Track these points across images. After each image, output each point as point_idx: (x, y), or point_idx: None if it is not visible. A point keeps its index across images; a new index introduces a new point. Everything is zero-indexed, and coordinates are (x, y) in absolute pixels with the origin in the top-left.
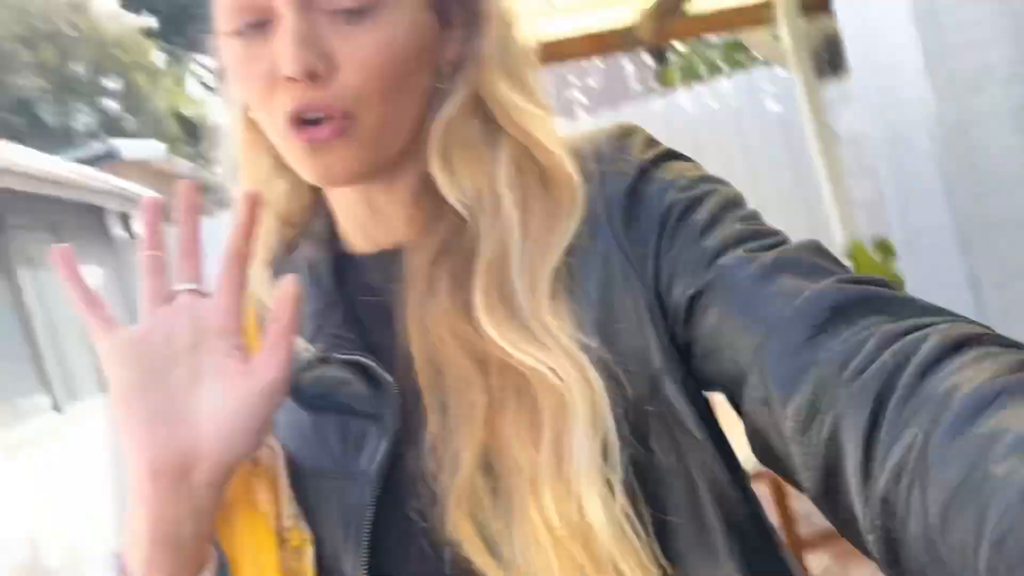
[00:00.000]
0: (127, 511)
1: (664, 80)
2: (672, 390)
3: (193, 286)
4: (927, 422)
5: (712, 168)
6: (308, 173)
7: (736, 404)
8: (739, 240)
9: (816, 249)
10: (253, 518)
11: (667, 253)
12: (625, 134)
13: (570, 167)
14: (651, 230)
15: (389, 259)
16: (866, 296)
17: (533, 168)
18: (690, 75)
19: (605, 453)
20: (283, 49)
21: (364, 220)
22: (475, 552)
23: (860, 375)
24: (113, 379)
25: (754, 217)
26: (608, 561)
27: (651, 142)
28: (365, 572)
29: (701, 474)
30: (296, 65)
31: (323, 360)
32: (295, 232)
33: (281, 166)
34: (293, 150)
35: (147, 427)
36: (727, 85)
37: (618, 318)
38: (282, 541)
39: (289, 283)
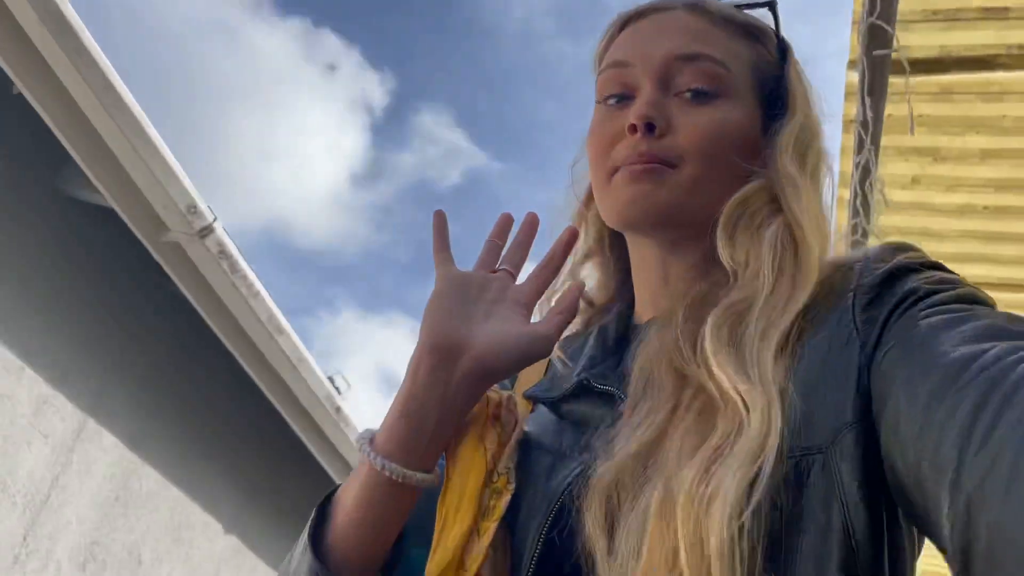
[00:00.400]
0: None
1: None
2: (850, 442)
3: (511, 269)
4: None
5: None
6: (617, 206)
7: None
8: (947, 312)
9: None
10: (476, 450)
11: (895, 323)
12: (903, 247)
13: (814, 255)
14: (888, 303)
15: (662, 321)
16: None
17: (792, 243)
18: None
19: (752, 484)
20: (634, 108)
21: (657, 289)
22: (593, 525)
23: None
24: (433, 291)
25: (994, 310)
26: (704, 574)
27: (923, 256)
28: (549, 522)
29: (840, 535)
30: (640, 115)
31: (584, 387)
32: (594, 313)
33: (597, 253)
34: (613, 187)
35: (439, 317)
36: None
37: (827, 374)
38: (490, 480)
39: (577, 285)
